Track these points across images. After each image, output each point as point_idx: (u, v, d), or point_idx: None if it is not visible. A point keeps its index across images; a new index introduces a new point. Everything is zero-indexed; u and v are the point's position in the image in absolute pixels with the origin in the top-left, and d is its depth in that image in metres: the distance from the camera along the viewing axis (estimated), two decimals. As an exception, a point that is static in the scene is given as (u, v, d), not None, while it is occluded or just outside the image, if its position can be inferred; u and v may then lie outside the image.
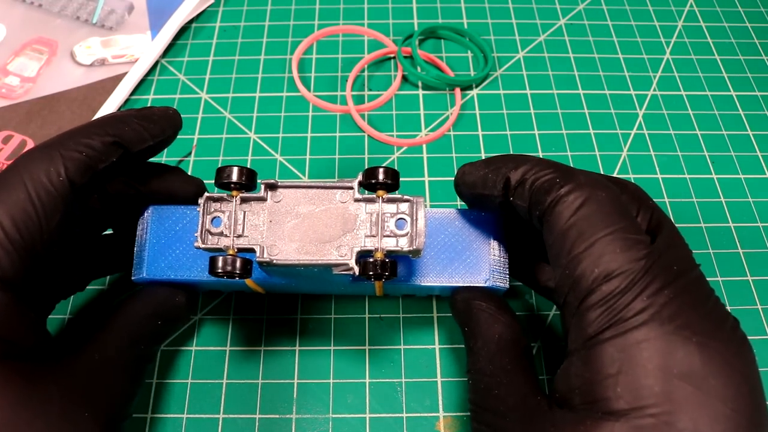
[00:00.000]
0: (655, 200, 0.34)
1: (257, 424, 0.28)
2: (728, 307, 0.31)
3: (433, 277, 0.26)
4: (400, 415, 0.28)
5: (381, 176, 0.22)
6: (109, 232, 0.29)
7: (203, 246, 0.22)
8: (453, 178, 0.36)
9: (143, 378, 0.25)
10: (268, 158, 0.36)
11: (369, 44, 0.42)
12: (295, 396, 0.29)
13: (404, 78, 0.41)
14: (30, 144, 0.37)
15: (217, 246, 0.23)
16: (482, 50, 0.41)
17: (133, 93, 0.39)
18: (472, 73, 0.41)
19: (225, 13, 0.44)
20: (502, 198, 0.23)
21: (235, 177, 0.22)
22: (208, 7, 0.44)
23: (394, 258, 0.23)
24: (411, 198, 0.23)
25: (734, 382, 0.18)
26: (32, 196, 0.21)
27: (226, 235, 0.23)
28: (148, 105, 0.39)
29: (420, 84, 0.40)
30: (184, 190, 0.27)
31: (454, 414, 0.28)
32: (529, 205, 0.22)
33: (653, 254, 0.20)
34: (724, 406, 0.18)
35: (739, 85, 0.40)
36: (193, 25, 0.43)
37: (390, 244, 0.22)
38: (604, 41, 0.43)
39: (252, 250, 0.22)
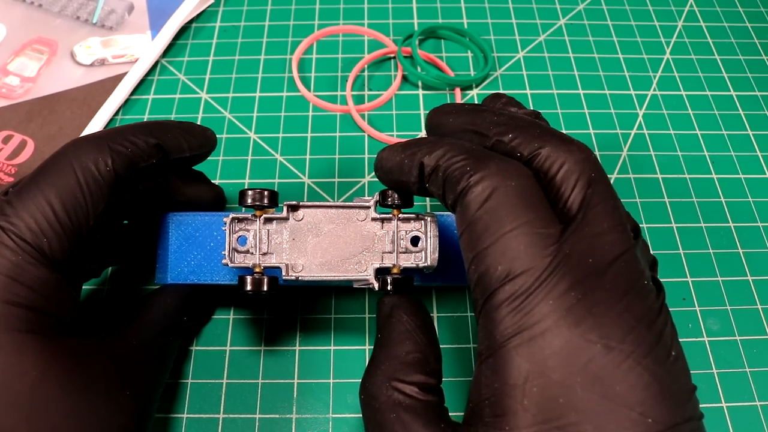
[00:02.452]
0: (653, 199, 0.34)
1: (257, 424, 0.28)
2: (728, 307, 0.31)
3: (444, 279, 0.28)
4: (400, 415, 0.28)
5: (396, 198, 0.24)
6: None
7: (231, 265, 0.24)
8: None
9: (169, 368, 0.27)
10: (268, 158, 0.36)
11: (369, 44, 0.42)
12: (295, 396, 0.29)
13: (404, 78, 0.41)
14: (30, 144, 0.37)
15: (245, 264, 0.24)
16: (482, 50, 0.41)
17: (133, 93, 0.39)
18: (472, 73, 0.41)
19: (225, 13, 0.44)
20: (418, 185, 0.22)
21: (258, 199, 0.24)
22: (208, 7, 0.44)
23: (410, 275, 0.24)
24: (424, 216, 0.24)
25: (642, 383, 0.17)
26: (81, 182, 0.22)
27: (252, 253, 0.24)
28: (148, 106, 0.39)
29: (420, 84, 0.40)
30: (207, 196, 0.30)
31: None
32: (442, 193, 0.21)
33: (563, 249, 0.18)
34: (631, 410, 0.17)
35: (739, 85, 0.40)
36: (193, 25, 0.43)
37: (406, 260, 0.24)
38: (604, 41, 0.43)
39: (278, 269, 0.24)
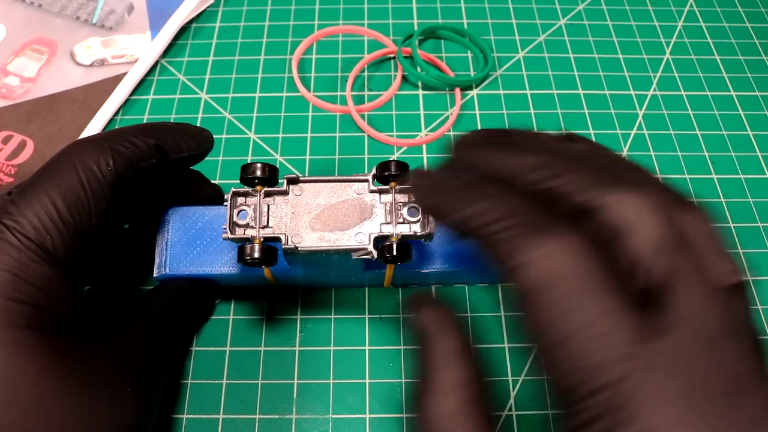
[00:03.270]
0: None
1: (257, 424, 0.28)
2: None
3: (439, 264, 0.28)
4: (400, 415, 0.28)
5: (393, 169, 0.24)
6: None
7: (231, 237, 0.24)
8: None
9: (171, 365, 0.27)
10: (268, 158, 0.36)
11: (369, 44, 0.42)
12: (295, 396, 0.29)
13: (404, 78, 0.41)
14: (30, 144, 0.37)
15: (244, 236, 0.24)
16: (482, 50, 0.41)
17: (133, 93, 0.39)
18: (472, 73, 0.41)
19: (225, 13, 0.44)
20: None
21: (259, 173, 0.24)
22: (208, 7, 0.44)
23: (408, 242, 0.25)
24: None
25: None
26: (83, 181, 0.22)
27: (252, 227, 0.24)
28: (148, 106, 0.39)
29: (420, 84, 0.40)
30: (205, 194, 0.30)
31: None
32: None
33: (652, 347, 0.15)
34: None
35: (739, 85, 0.40)
36: (193, 25, 0.43)
37: (404, 230, 0.24)
38: (604, 41, 0.43)
39: (277, 239, 0.24)
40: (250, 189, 0.25)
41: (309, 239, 0.24)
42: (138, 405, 0.22)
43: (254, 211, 0.24)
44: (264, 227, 0.24)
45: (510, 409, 0.28)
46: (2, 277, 0.20)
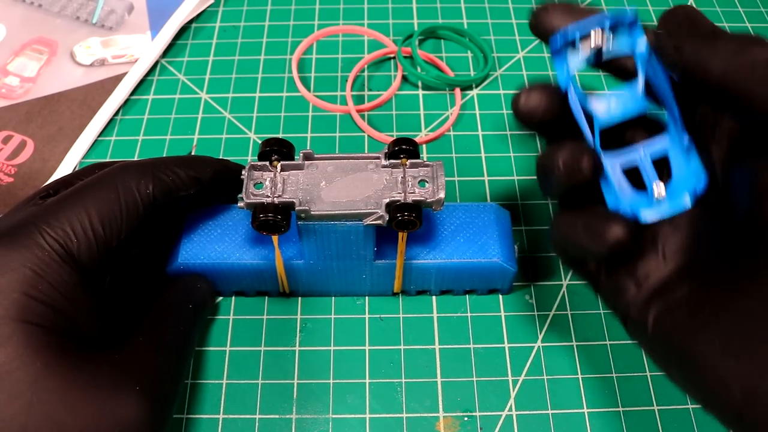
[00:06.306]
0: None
1: (257, 424, 0.28)
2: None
3: (447, 255, 0.29)
4: (400, 415, 0.28)
5: (404, 145, 0.26)
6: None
7: (246, 201, 0.25)
8: (453, 178, 0.36)
9: (186, 361, 0.27)
10: (268, 158, 0.36)
11: (369, 44, 0.42)
12: (295, 396, 0.29)
13: (404, 78, 0.41)
14: (30, 144, 0.37)
15: (259, 201, 0.25)
16: (482, 50, 0.41)
17: (133, 93, 0.39)
18: (472, 73, 0.41)
19: (225, 13, 0.44)
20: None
21: (276, 146, 0.26)
22: (208, 7, 0.44)
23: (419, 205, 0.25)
24: (431, 163, 0.26)
25: None
26: (121, 200, 0.24)
27: (267, 196, 0.25)
28: (148, 106, 0.39)
29: (420, 84, 0.40)
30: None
31: (454, 414, 0.28)
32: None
33: None
34: None
35: (739, 85, 0.40)
36: (193, 25, 0.43)
37: (415, 198, 0.25)
38: (604, 41, 0.43)
39: (291, 204, 0.25)
40: (267, 163, 0.26)
41: (322, 205, 0.25)
42: (148, 405, 0.22)
43: (270, 182, 0.25)
44: (279, 196, 0.25)
45: (510, 409, 0.28)
46: (23, 273, 0.21)
